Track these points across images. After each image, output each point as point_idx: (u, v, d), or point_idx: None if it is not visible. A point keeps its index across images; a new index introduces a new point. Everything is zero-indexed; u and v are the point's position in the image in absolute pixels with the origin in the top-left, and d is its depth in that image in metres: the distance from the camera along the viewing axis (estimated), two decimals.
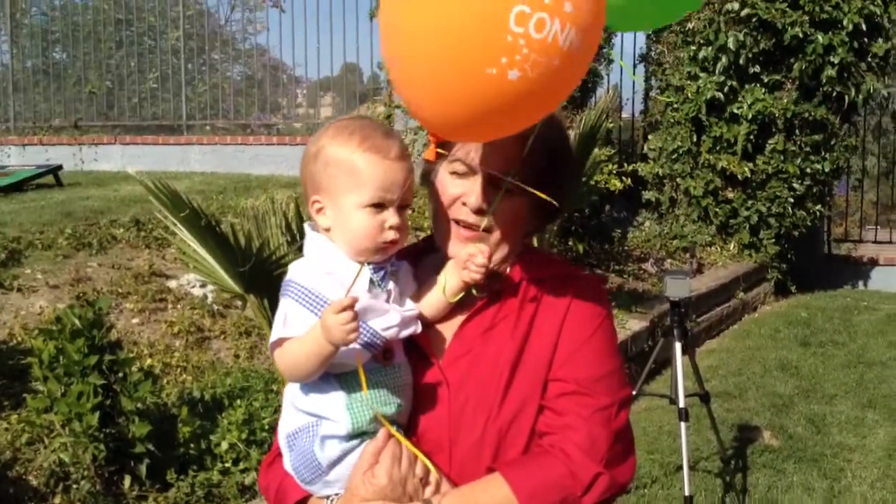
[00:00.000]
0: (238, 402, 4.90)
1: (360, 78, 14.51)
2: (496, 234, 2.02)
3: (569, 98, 2.09)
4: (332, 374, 1.91)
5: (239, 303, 6.27)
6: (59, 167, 10.66)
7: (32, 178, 10.24)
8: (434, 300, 2.01)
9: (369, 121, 2.00)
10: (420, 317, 1.98)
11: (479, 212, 1.98)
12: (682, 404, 4.95)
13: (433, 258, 2.09)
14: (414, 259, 2.11)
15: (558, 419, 1.95)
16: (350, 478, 1.92)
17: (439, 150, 1.97)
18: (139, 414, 4.40)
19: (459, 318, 2.05)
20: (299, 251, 4.56)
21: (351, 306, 1.77)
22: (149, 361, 5.60)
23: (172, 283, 6.68)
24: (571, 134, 5.12)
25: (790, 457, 6.07)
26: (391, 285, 1.95)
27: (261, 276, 4.42)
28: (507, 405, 1.95)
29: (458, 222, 2.02)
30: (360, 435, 1.91)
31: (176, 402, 5.04)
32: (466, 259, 1.96)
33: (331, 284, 1.90)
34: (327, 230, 1.94)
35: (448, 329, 2.06)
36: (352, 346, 1.81)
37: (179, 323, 6.14)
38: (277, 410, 4.76)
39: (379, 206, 1.89)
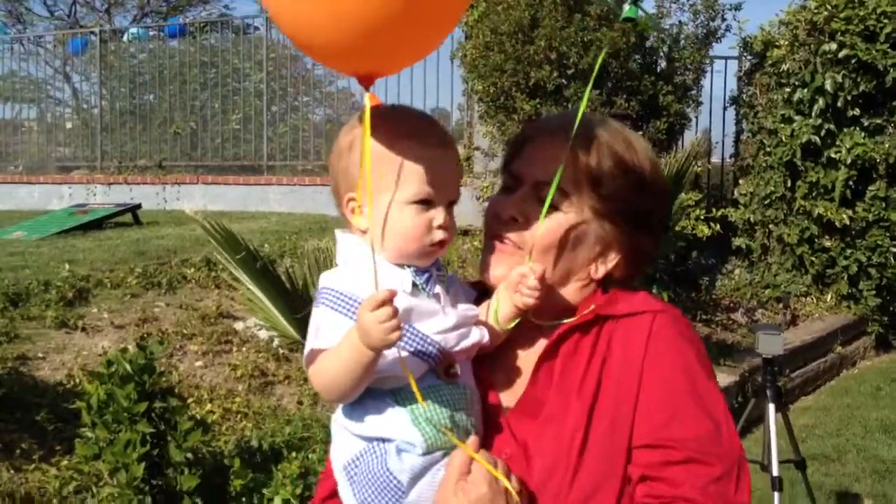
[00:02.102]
0: (295, 453, 4.64)
1: (448, 121, 14.37)
2: (541, 255, 1.72)
3: (655, 141, 1.79)
4: (384, 391, 1.62)
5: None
6: (138, 206, 10.71)
7: (111, 216, 10.30)
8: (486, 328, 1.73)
9: (407, 107, 1.75)
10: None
11: (513, 221, 1.73)
12: (775, 472, 4.53)
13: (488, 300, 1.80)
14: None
15: (671, 490, 1.61)
16: (438, 493, 1.61)
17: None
18: (189, 465, 4.18)
19: (531, 357, 1.75)
20: None
21: (389, 300, 1.49)
22: (208, 406, 5.43)
23: (239, 325, 6.51)
24: None
25: None
26: (438, 289, 1.67)
27: None
28: (577, 485, 1.62)
29: (495, 238, 1.76)
30: (435, 451, 1.62)
31: (232, 451, 4.82)
32: (518, 280, 1.68)
33: (370, 287, 1.60)
34: (364, 232, 1.67)
35: (512, 371, 1.77)
36: (404, 353, 1.56)
37: (243, 366, 5.95)
38: None
39: (425, 202, 1.64)
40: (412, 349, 1.59)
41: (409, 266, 1.65)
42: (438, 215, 1.65)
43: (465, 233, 8.74)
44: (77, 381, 5.34)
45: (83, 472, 4.38)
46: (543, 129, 1.80)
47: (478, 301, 1.79)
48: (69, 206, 12.10)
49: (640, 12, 1.98)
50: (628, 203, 1.76)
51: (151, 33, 16.42)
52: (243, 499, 4.36)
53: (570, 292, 1.78)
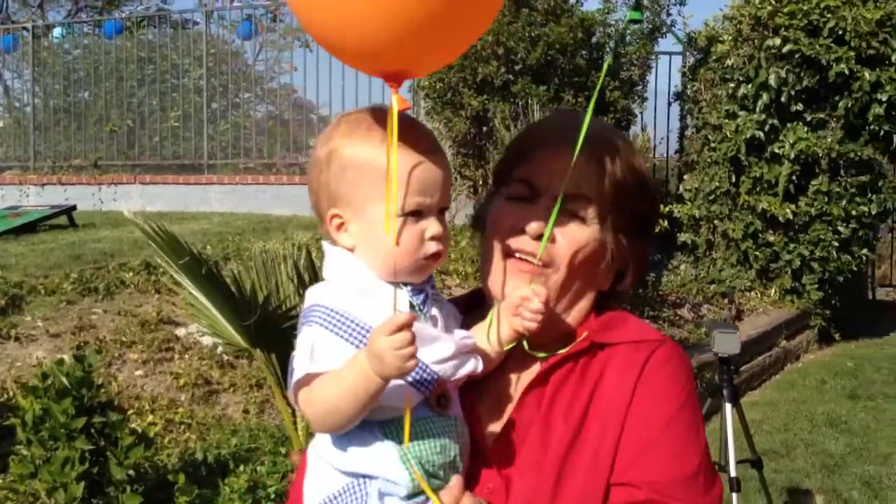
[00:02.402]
0: (242, 466, 4.48)
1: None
2: (560, 273, 1.62)
3: None
4: (373, 422, 1.49)
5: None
6: (73, 207, 10.39)
7: (45, 218, 9.98)
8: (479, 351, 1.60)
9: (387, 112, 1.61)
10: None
11: (539, 238, 1.59)
12: (733, 473, 4.49)
13: (481, 316, 1.67)
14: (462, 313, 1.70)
15: None
16: None
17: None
18: (130, 482, 4.00)
19: (518, 386, 1.64)
20: None
21: (409, 324, 1.37)
22: (150, 418, 5.24)
23: (181, 332, 6.30)
24: None
25: None
26: (434, 311, 1.55)
27: (268, 329, 4.04)
28: None
29: (514, 255, 1.62)
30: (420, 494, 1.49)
31: (176, 465, 4.64)
32: (519, 303, 1.56)
33: (366, 305, 1.50)
34: (352, 250, 1.55)
35: (501, 399, 1.65)
36: (399, 382, 1.44)
37: (186, 375, 5.75)
38: (286, 477, 4.35)
39: (416, 213, 1.51)
40: (411, 379, 1.46)
41: (405, 285, 1.53)
42: (430, 226, 1.52)
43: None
44: (11, 394, 5.11)
45: (18, 492, 4.17)
46: (558, 135, 1.66)
47: (466, 316, 1.68)
48: (1, 208, 11.71)
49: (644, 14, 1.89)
50: (637, 211, 1.68)
51: (86, 29, 16.01)
52: None
53: (574, 313, 1.68)
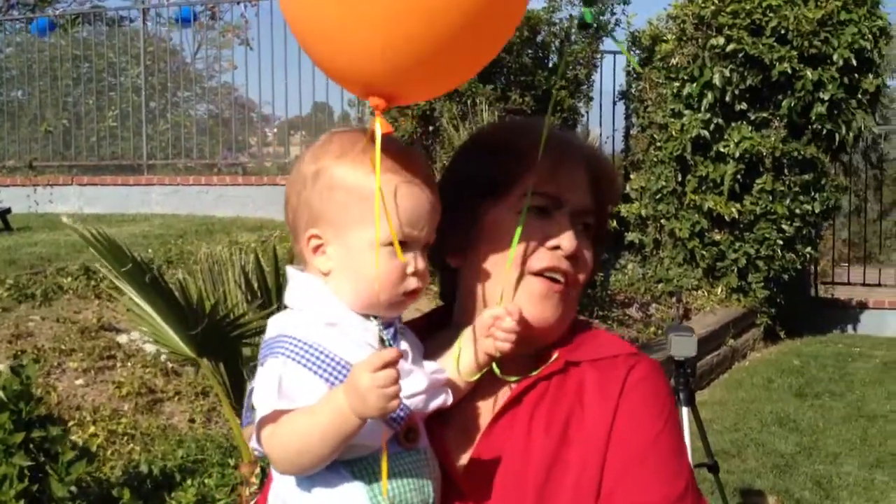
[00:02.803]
0: (189, 479, 4.32)
1: (331, 117, 14.09)
2: (577, 290, 1.58)
3: None
4: (340, 461, 1.38)
5: None
6: (8, 210, 10.06)
7: None
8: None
9: (389, 136, 1.48)
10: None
11: (572, 258, 1.53)
12: None
13: (447, 335, 1.57)
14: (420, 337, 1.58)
15: None
16: None
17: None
18: (73, 499, 3.82)
19: (489, 410, 1.54)
20: (260, 309, 3.94)
21: (395, 362, 1.29)
22: (91, 429, 5.05)
23: (122, 339, 6.10)
24: None
25: None
26: (404, 345, 1.46)
27: (215, 338, 3.89)
28: None
29: (543, 273, 1.52)
30: None
31: (120, 479, 4.46)
32: (491, 323, 1.45)
33: (338, 339, 1.40)
34: (326, 274, 1.44)
35: (469, 429, 1.54)
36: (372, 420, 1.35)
37: (129, 383, 5.56)
38: (234, 490, 4.20)
39: (402, 244, 1.41)
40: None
41: (374, 317, 1.43)
42: (413, 260, 1.43)
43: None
44: None
45: None
46: (574, 149, 1.60)
47: (431, 336, 1.58)
48: None
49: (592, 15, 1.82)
50: (606, 223, 1.66)
51: (18, 26, 15.57)
52: None
53: (563, 329, 1.59)
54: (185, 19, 13.82)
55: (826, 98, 9.73)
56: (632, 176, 10.94)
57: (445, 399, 1.46)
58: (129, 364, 5.83)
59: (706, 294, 10.30)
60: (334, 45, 1.35)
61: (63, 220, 4.22)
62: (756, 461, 6.67)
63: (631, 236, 10.72)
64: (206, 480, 4.35)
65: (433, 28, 1.30)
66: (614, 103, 11.72)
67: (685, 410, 4.57)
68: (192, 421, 5.41)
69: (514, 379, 1.52)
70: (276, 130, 14.89)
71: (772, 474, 6.41)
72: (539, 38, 9.88)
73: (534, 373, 1.53)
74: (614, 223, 8.46)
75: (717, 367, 9.26)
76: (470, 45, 1.36)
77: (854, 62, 9.65)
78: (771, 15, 9.68)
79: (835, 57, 9.65)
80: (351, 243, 1.42)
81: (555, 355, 1.55)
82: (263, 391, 1.36)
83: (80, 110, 13.56)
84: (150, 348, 5.93)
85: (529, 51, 9.60)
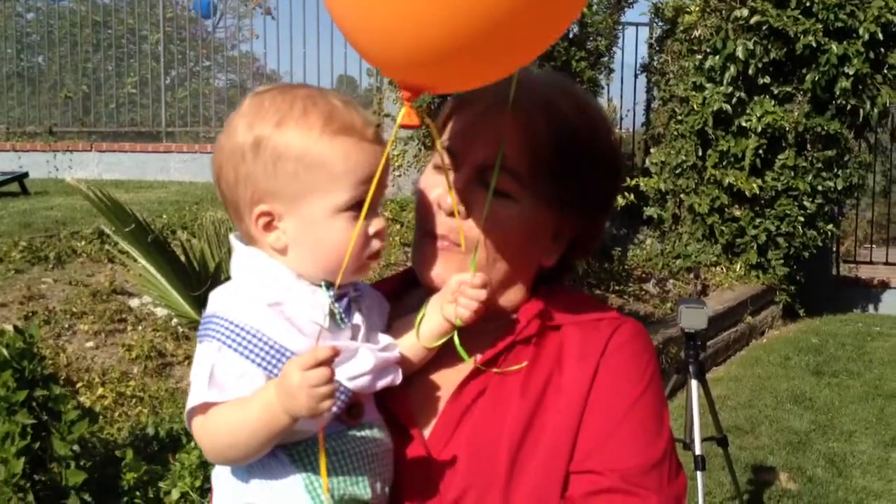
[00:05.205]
0: (194, 441, 4.31)
1: (355, 90, 14.03)
2: (485, 253, 1.44)
3: None
4: (277, 446, 1.32)
5: None
6: (25, 174, 10.09)
7: None
8: (407, 346, 1.43)
9: (312, 89, 1.39)
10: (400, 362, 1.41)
11: (453, 216, 1.42)
12: (698, 451, 4.39)
13: (417, 295, 1.51)
14: (392, 296, 1.52)
15: None
16: None
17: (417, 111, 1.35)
18: (75, 457, 3.81)
19: (455, 378, 1.46)
20: None
21: (329, 361, 1.22)
22: (100, 391, 5.05)
23: (134, 302, 6.09)
24: None
25: (810, 503, 5.53)
26: (357, 318, 1.38)
27: None
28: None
29: (430, 234, 1.46)
30: None
31: (126, 440, 4.45)
32: (456, 289, 1.39)
33: (279, 322, 1.31)
34: (281, 251, 1.36)
35: (437, 391, 1.48)
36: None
37: (138, 347, 5.55)
38: None
39: (359, 207, 1.33)
40: None
41: (326, 288, 1.36)
42: (374, 222, 1.36)
43: None
44: None
45: None
46: (482, 96, 1.46)
47: (403, 295, 1.52)
48: None
49: None
50: (586, 183, 1.49)
51: None
52: (137, 493, 4.01)
53: (511, 295, 1.51)
54: (206, 14, 13.81)
55: (851, 73, 9.53)
56: (652, 150, 10.81)
57: (395, 377, 1.38)
58: (139, 328, 5.82)
59: (725, 270, 10.19)
60: (376, 33, 1.25)
61: (67, 180, 4.19)
62: (769, 438, 6.61)
63: (650, 211, 10.60)
64: None
65: (482, 18, 1.18)
66: (636, 76, 11.57)
67: (695, 384, 4.51)
68: None
69: (468, 359, 1.43)
70: None
71: (785, 451, 6.35)
72: None
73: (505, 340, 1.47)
74: (631, 197, 8.31)
75: (734, 343, 9.18)
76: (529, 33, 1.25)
77: (880, 36, 9.43)
78: None
79: (861, 31, 9.44)
80: (308, 214, 1.34)
81: (528, 320, 1.48)
82: (195, 381, 1.30)
83: (99, 77, 13.58)
84: (160, 312, 5.93)
85: None
